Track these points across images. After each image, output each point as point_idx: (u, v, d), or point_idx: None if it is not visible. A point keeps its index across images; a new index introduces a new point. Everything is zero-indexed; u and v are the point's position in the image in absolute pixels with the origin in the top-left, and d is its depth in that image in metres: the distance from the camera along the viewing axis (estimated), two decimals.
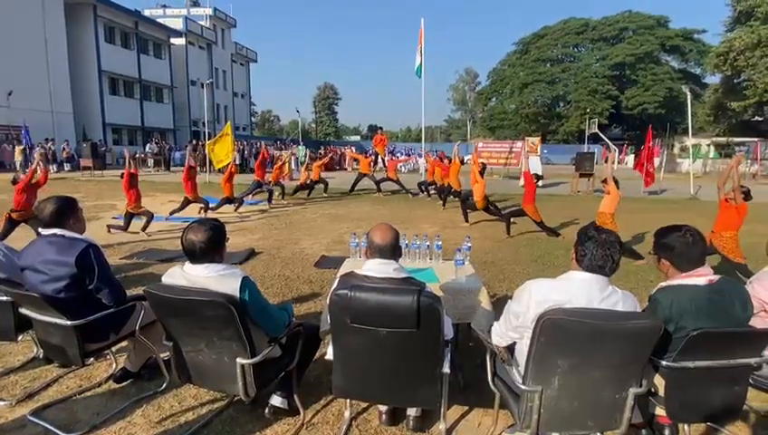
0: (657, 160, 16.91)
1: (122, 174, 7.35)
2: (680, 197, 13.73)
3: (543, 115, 47.22)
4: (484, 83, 57.04)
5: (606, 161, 8.30)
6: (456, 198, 10.45)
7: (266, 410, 2.40)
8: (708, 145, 29.61)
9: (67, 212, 2.46)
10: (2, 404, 2.52)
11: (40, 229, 2.45)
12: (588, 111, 38.29)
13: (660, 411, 2.09)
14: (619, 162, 29.39)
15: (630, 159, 30.71)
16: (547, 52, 47.04)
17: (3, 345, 3.18)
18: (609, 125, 43.58)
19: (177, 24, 34.28)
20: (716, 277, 2.02)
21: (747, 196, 4.99)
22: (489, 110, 52.01)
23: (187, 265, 2.09)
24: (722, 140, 30.10)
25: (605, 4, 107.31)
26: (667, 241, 2.07)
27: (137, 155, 21.45)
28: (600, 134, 28.14)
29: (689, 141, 18.60)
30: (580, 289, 1.78)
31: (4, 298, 2.46)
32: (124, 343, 2.78)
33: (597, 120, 32.96)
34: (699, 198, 13.00)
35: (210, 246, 2.04)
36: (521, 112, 46.81)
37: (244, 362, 1.99)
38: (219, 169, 13.89)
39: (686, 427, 2.18)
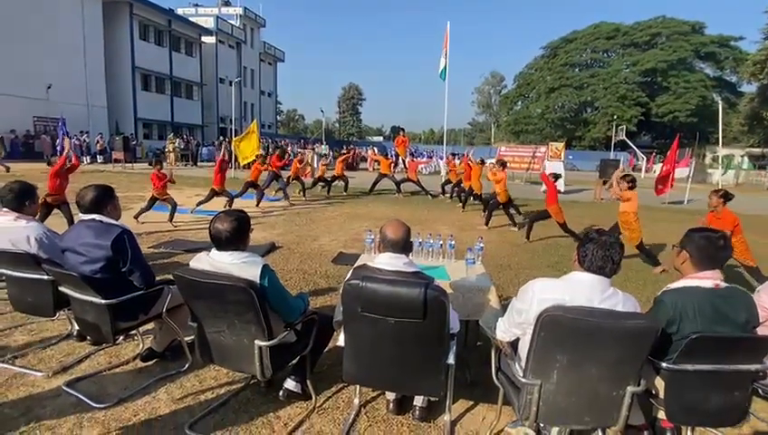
0: (684, 171, 16.39)
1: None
2: (704, 208, 13.31)
3: (570, 120, 46.54)
4: (510, 87, 56.60)
5: (633, 169, 8.30)
6: (478, 202, 10.45)
7: (281, 393, 2.54)
8: (742, 156, 28.66)
9: (105, 199, 2.66)
10: (39, 375, 2.74)
11: (80, 214, 2.65)
12: (616, 117, 37.47)
13: (663, 415, 2.12)
14: (646, 171, 28.75)
15: (658, 167, 29.99)
16: (576, 56, 46.34)
17: (41, 322, 3.43)
18: (639, 132, 42.64)
19: (209, 23, 35.20)
20: (723, 284, 2.04)
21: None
22: (514, 114, 51.50)
23: (213, 251, 2.23)
24: (756, 150, 29.10)
25: (637, 9, 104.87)
26: (696, 236, 2.10)
27: (165, 151, 22.27)
28: (628, 141, 27.58)
29: (720, 151, 18.06)
30: (581, 289, 1.84)
31: (46, 277, 2.67)
32: (151, 326, 2.99)
33: (624, 126, 32.27)
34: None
35: (235, 235, 2.19)
36: (546, 117, 46.22)
37: (262, 344, 2.12)
38: (244, 166, 14.27)
39: (688, 432, 2.21)
